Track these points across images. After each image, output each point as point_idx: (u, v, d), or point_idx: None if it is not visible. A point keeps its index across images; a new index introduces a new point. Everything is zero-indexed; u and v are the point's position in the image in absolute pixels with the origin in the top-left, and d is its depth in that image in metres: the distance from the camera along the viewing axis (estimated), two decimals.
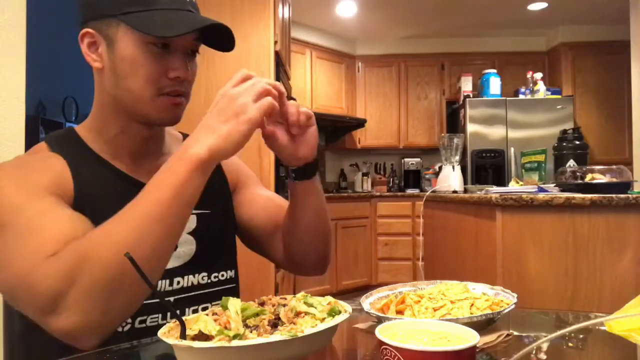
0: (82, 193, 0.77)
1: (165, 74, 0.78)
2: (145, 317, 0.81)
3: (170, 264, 0.83)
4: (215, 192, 0.94)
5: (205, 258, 0.89)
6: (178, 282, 0.85)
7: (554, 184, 2.01)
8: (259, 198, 1.01)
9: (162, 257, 0.69)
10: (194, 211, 0.87)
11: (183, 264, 0.86)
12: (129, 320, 0.79)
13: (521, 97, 4.58)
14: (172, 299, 0.84)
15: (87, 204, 0.77)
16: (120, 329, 0.78)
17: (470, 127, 4.52)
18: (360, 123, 5.04)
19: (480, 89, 4.67)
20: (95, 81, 0.84)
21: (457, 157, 2.89)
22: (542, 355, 0.67)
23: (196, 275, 0.88)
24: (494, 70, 4.67)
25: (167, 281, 0.83)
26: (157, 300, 0.78)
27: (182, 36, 0.76)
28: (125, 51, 0.77)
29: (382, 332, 0.51)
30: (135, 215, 0.66)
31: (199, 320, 0.59)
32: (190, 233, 0.88)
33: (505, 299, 0.76)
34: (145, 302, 0.73)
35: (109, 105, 0.82)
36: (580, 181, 1.87)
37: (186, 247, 0.87)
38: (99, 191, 0.79)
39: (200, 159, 0.67)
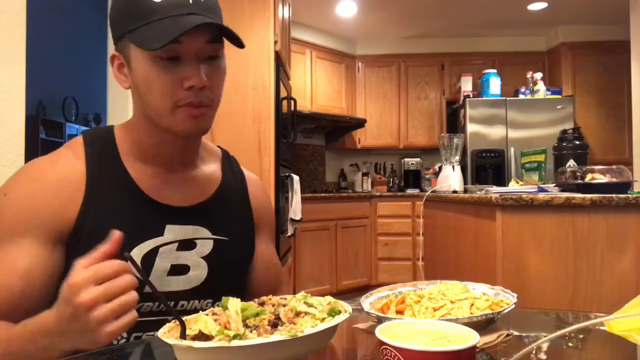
0: (92, 204, 0.79)
1: (180, 85, 0.75)
2: (140, 334, 0.81)
3: (179, 287, 0.83)
4: (236, 220, 0.94)
5: (215, 284, 0.87)
6: (182, 305, 0.84)
7: (554, 184, 2.00)
8: (263, 258, 0.99)
9: None
10: (212, 236, 0.87)
11: (191, 288, 0.85)
12: (125, 335, 0.80)
13: (521, 97, 4.58)
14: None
15: (94, 214, 0.78)
16: (115, 342, 0.79)
17: (470, 127, 4.52)
18: (360, 123, 5.03)
19: (480, 89, 4.67)
20: (132, 97, 0.86)
21: (457, 157, 2.89)
22: (542, 355, 0.67)
23: (201, 301, 0.86)
24: (494, 70, 4.67)
25: (172, 303, 0.82)
26: (153, 317, 0.79)
27: (190, 42, 0.73)
28: (137, 69, 0.77)
29: (382, 332, 0.51)
30: None
31: (199, 320, 0.59)
32: (204, 257, 0.86)
33: (505, 299, 0.76)
34: (141, 319, 0.74)
35: (144, 120, 0.83)
36: (580, 181, 1.87)
37: (198, 271, 0.85)
38: (111, 206, 0.80)
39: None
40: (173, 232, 0.84)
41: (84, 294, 0.58)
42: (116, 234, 0.62)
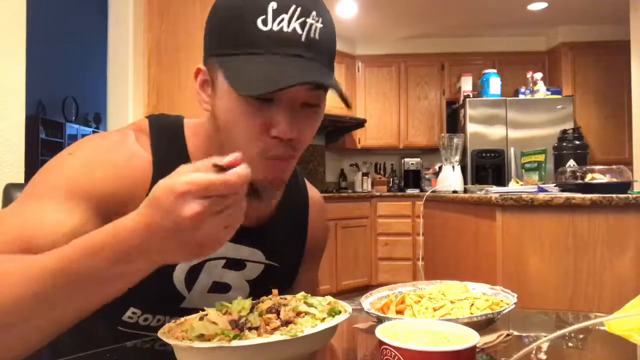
0: None
1: (266, 130, 0.65)
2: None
3: None
4: (291, 245, 0.90)
5: None
6: None
7: (554, 184, 2.00)
8: (305, 283, 0.94)
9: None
10: (264, 261, 0.84)
11: None
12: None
13: (521, 97, 4.58)
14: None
15: None
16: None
17: (470, 127, 4.52)
18: (360, 123, 5.04)
19: (480, 89, 4.67)
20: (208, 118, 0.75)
21: (457, 157, 2.89)
22: (542, 355, 0.67)
23: None
24: (494, 70, 4.67)
25: None
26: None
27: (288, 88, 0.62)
28: (221, 101, 0.67)
29: (382, 332, 0.51)
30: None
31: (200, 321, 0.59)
32: (249, 280, 0.83)
33: (505, 299, 0.76)
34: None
35: (218, 142, 0.72)
36: (580, 181, 1.87)
37: (238, 292, 0.81)
38: None
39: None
40: (223, 248, 0.77)
41: (191, 206, 0.47)
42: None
